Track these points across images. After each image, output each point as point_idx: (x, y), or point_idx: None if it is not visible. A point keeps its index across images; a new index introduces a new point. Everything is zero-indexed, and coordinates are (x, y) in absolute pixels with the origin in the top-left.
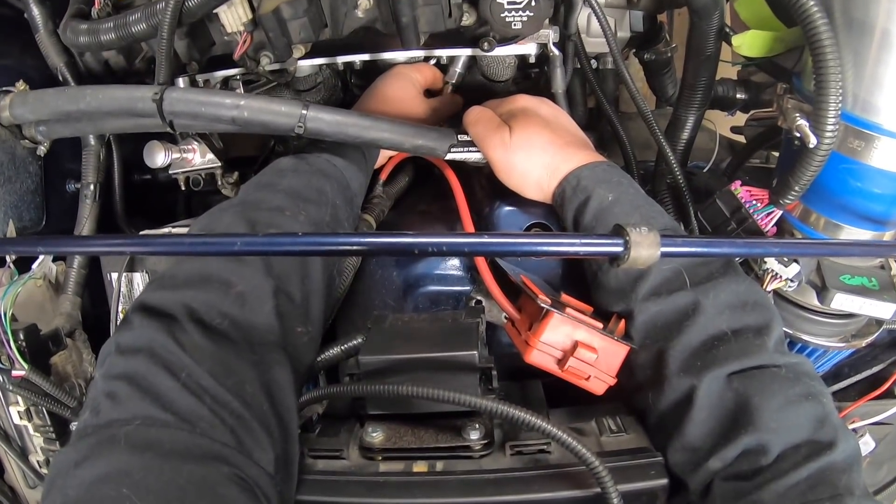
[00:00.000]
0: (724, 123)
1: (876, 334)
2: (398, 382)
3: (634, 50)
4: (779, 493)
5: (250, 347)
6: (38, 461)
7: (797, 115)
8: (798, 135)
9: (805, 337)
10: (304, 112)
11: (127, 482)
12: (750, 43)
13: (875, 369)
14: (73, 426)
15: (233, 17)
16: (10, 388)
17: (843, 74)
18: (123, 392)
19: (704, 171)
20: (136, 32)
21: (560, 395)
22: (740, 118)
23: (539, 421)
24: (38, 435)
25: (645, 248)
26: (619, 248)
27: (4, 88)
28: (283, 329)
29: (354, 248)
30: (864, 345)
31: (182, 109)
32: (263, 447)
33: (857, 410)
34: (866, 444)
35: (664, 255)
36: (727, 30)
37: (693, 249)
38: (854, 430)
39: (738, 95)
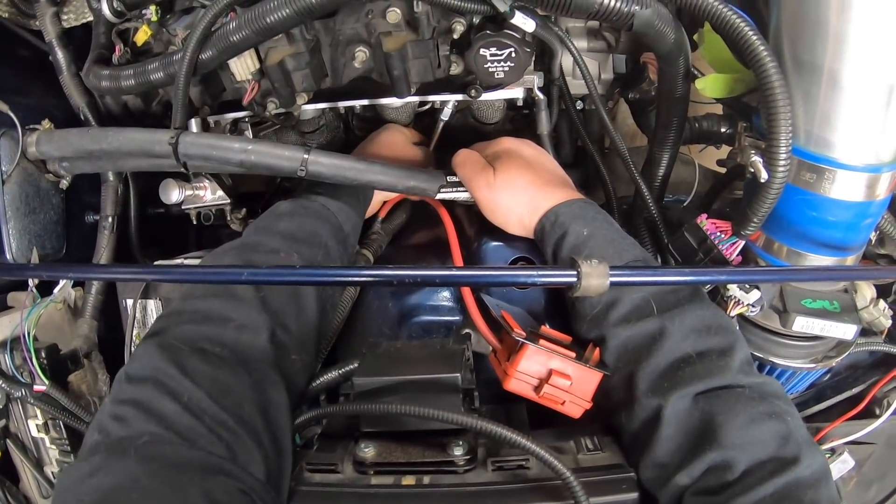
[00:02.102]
0: (713, 157)
1: (845, 354)
2: (388, 402)
3: (619, 90)
4: None
5: (247, 371)
6: (52, 472)
7: (752, 151)
8: (752, 170)
9: (774, 359)
10: (306, 156)
11: (136, 487)
12: (712, 85)
13: (856, 390)
14: None
15: (242, 68)
16: (31, 401)
17: (794, 113)
18: (131, 415)
19: (685, 204)
20: (153, 80)
21: (546, 419)
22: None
23: (513, 435)
24: (54, 447)
25: (595, 278)
26: (573, 279)
27: (31, 126)
28: (278, 355)
29: (337, 279)
30: (833, 364)
31: (195, 152)
32: (256, 460)
33: (837, 430)
34: (844, 463)
35: (613, 283)
36: (695, 72)
37: (639, 279)
38: (832, 449)
39: (723, 129)
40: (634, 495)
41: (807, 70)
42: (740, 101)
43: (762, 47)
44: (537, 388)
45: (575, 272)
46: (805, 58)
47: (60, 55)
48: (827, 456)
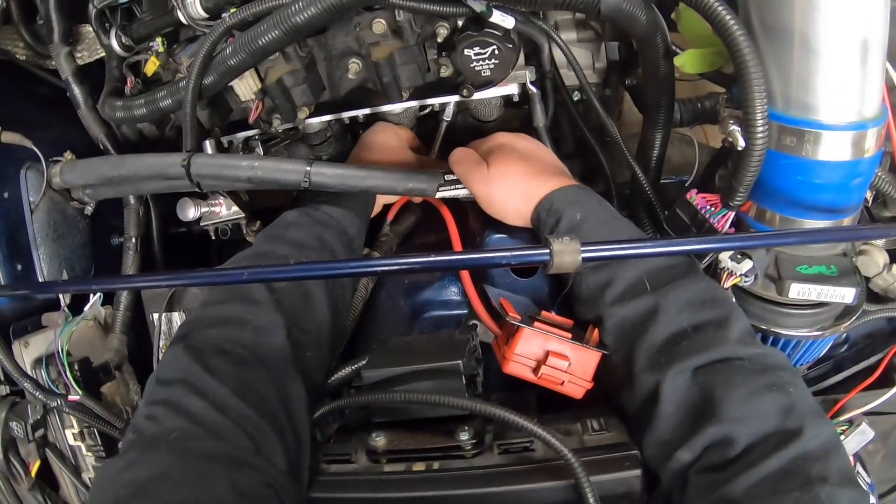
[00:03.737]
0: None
1: (853, 320)
2: (394, 391)
3: (616, 77)
4: (749, 483)
5: (267, 368)
6: (89, 478)
7: (731, 121)
8: (731, 140)
9: (777, 329)
10: (309, 169)
11: (168, 478)
12: (690, 61)
13: (874, 359)
14: (120, 445)
15: (245, 88)
16: (67, 410)
17: (768, 78)
18: (162, 414)
19: (687, 184)
20: (163, 107)
21: (558, 405)
22: None
23: (512, 416)
24: (91, 454)
25: (567, 255)
26: (546, 257)
27: (54, 158)
28: (295, 353)
29: (336, 272)
30: (842, 331)
31: (206, 172)
32: (279, 452)
33: (855, 401)
34: (863, 434)
35: (585, 259)
36: (677, 50)
37: (612, 253)
38: (850, 420)
39: (704, 105)
40: (637, 472)
41: (778, 36)
42: (723, 74)
43: (728, 16)
44: (535, 370)
45: (548, 250)
46: (774, 23)
47: (77, 91)
48: (844, 427)
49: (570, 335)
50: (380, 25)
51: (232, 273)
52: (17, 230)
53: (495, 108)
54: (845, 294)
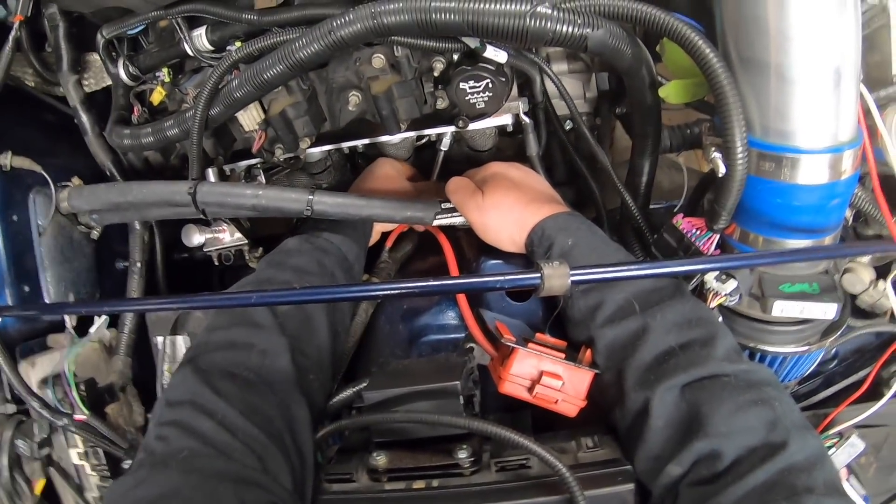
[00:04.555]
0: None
1: (838, 335)
2: (394, 411)
3: (608, 107)
4: (738, 496)
5: (272, 391)
6: (92, 497)
7: (713, 148)
8: (712, 167)
9: (763, 346)
10: (311, 197)
11: (178, 496)
12: (674, 91)
13: (863, 373)
14: (126, 464)
15: (248, 119)
16: (73, 429)
17: (746, 107)
18: (172, 434)
19: (676, 209)
20: (170, 136)
21: (554, 423)
22: None
23: (509, 433)
24: (94, 474)
25: (557, 278)
26: (537, 281)
27: (62, 184)
28: (299, 376)
29: (339, 296)
30: (828, 346)
31: (212, 200)
32: (284, 471)
33: (844, 414)
34: (853, 447)
35: (574, 282)
36: (662, 81)
37: (600, 276)
38: (839, 433)
39: (689, 132)
40: (630, 486)
41: (754, 67)
42: (705, 103)
43: (707, 49)
44: (530, 390)
45: (538, 274)
46: (751, 56)
47: (84, 118)
48: (835, 440)
49: (563, 355)
50: (379, 60)
51: (239, 297)
52: (25, 253)
53: (490, 137)
54: (827, 310)
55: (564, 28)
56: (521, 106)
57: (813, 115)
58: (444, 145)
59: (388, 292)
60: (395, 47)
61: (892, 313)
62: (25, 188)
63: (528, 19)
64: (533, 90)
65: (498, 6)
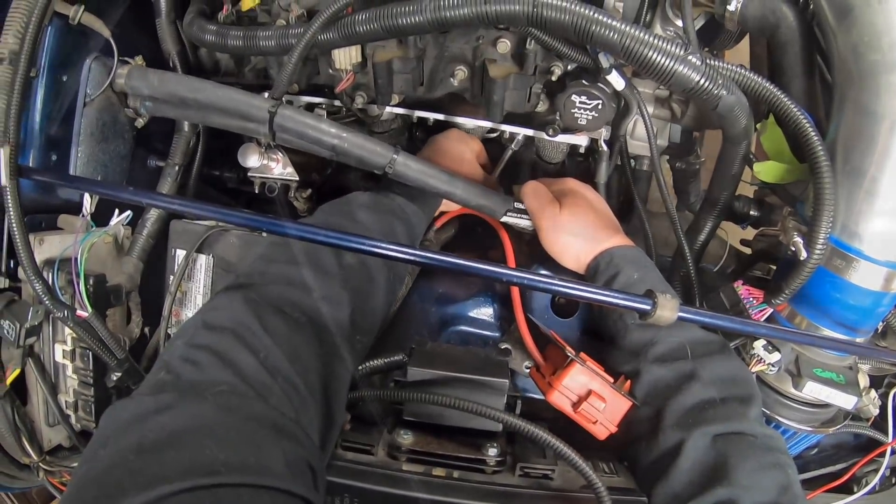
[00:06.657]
0: (735, 234)
1: (840, 426)
2: (441, 393)
3: (668, 157)
4: None
5: (320, 341)
6: (66, 401)
7: (795, 233)
8: (793, 249)
9: (780, 419)
10: (395, 157)
11: (211, 434)
12: (768, 171)
13: (838, 467)
14: (115, 375)
15: (344, 57)
16: (71, 325)
17: (836, 207)
18: (206, 361)
19: (714, 271)
20: (263, 47)
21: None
22: (750, 232)
23: (558, 443)
24: (75, 377)
25: (668, 310)
26: (648, 307)
27: (123, 59)
28: (350, 333)
29: (415, 258)
30: (830, 432)
31: (291, 126)
32: (314, 429)
33: (817, 499)
34: None
35: (680, 318)
36: (751, 156)
37: (703, 319)
38: None
39: (752, 212)
40: None
41: (853, 173)
42: (784, 188)
43: (820, 147)
44: (575, 405)
45: (652, 301)
46: (854, 163)
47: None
48: None
49: (612, 380)
50: (504, 45)
51: (308, 230)
52: (63, 120)
53: (561, 152)
54: (848, 401)
55: (706, 83)
56: (604, 133)
57: (886, 229)
58: (516, 145)
59: (484, 272)
60: (528, 39)
61: (874, 420)
62: (85, 51)
63: (680, 63)
64: (620, 122)
65: (658, 42)
